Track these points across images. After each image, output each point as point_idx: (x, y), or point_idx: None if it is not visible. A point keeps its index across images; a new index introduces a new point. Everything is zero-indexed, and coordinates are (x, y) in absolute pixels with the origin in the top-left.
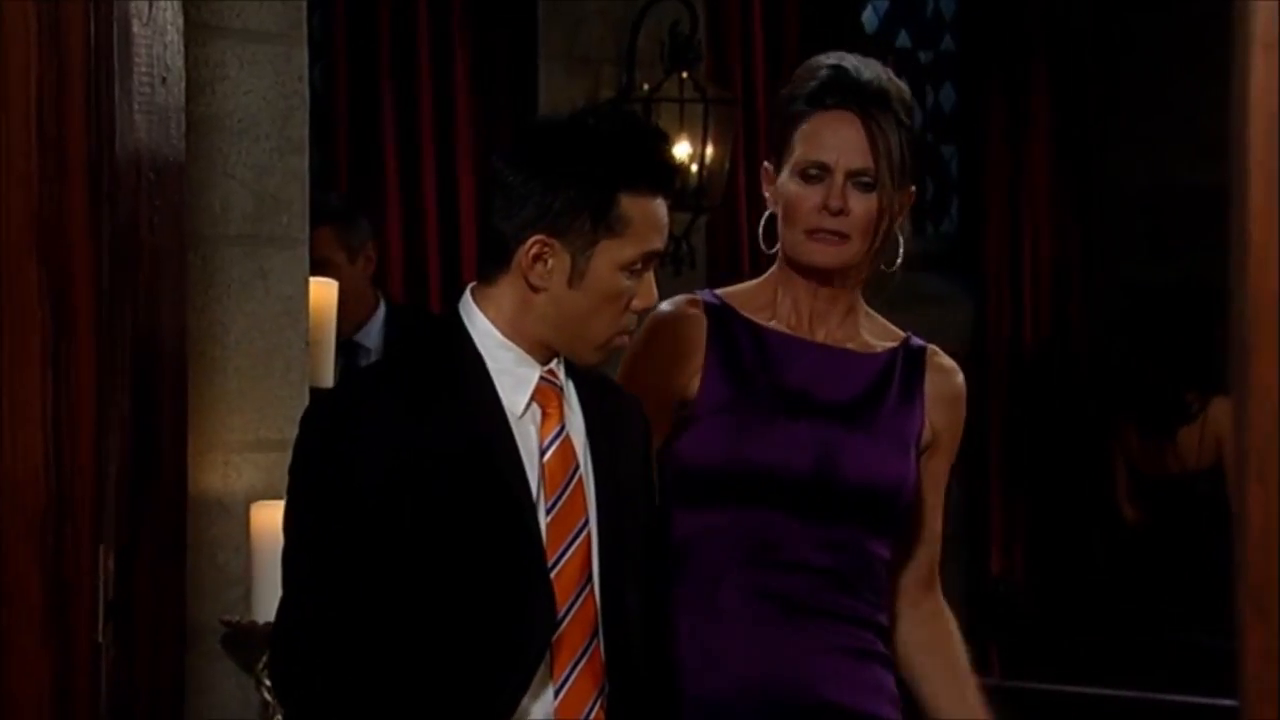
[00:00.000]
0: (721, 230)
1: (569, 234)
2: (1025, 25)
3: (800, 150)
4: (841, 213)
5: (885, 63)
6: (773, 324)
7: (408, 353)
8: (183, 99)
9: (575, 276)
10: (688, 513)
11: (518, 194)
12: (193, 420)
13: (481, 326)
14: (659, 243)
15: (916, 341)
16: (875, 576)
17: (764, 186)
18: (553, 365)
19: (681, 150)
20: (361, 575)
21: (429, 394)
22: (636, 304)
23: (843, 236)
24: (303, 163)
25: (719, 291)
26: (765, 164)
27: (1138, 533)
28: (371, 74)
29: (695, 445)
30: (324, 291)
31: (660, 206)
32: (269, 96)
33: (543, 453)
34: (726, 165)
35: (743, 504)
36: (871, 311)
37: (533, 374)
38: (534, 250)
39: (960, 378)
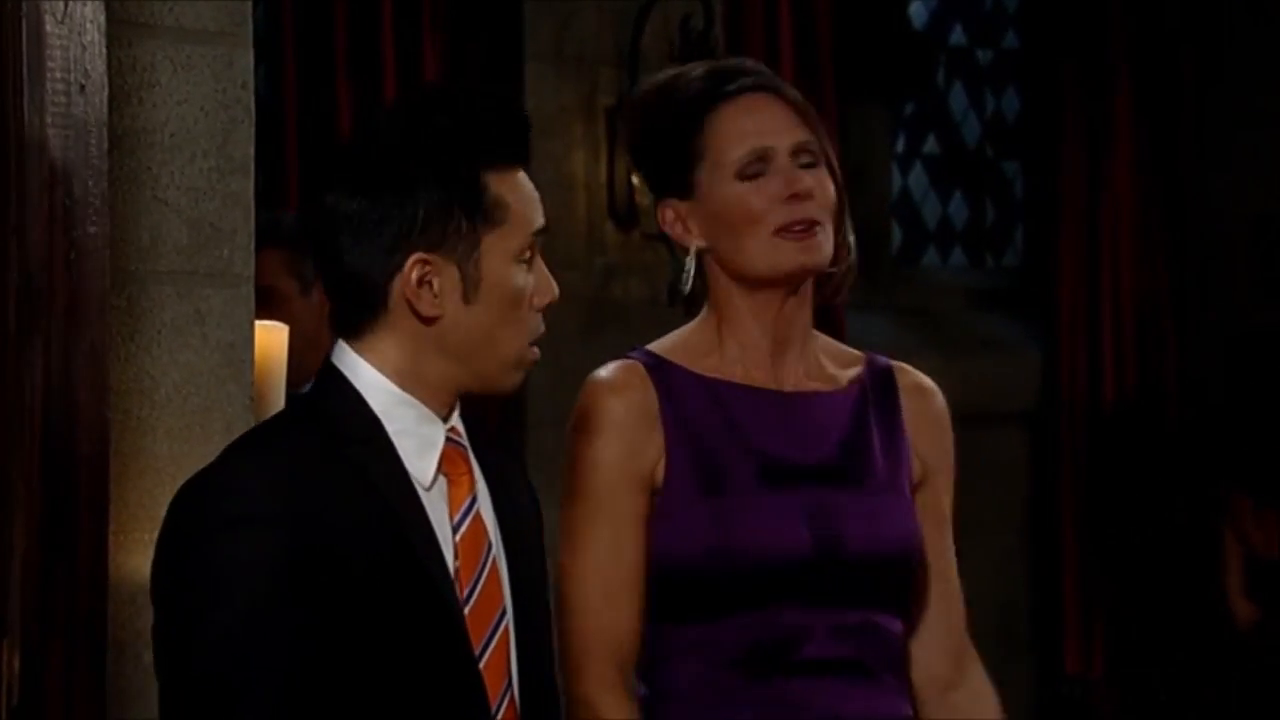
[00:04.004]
0: None
1: (446, 241)
2: (1104, 17)
3: (725, 150)
4: (809, 196)
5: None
6: (723, 375)
7: (289, 422)
8: (105, 110)
9: (470, 289)
10: (671, 627)
11: (369, 219)
12: (115, 492)
13: (371, 380)
14: (542, 218)
15: (881, 360)
16: (896, 659)
17: (667, 226)
18: (454, 422)
19: None
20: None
21: (323, 467)
22: (538, 300)
23: (812, 224)
24: (247, 185)
25: (651, 347)
26: (661, 206)
27: (1249, 628)
28: (326, 77)
29: (671, 544)
30: (272, 337)
31: (526, 178)
32: (207, 107)
33: (455, 530)
34: None
35: (739, 607)
36: (817, 332)
37: (438, 434)
38: (415, 274)
39: (941, 399)
